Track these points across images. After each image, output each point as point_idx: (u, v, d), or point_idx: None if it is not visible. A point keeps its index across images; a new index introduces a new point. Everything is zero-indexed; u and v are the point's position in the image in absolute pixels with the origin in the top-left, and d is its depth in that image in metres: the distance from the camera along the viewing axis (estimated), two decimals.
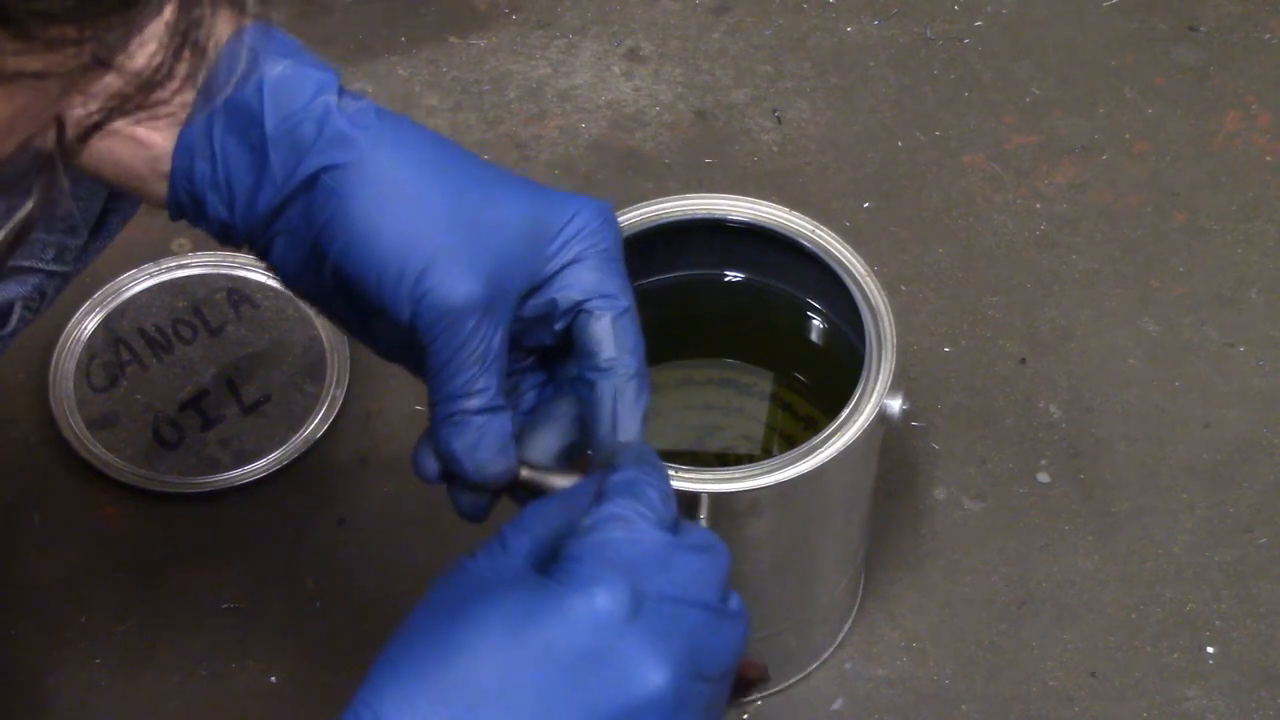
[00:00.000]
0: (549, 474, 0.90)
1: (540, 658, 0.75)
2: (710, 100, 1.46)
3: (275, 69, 0.85)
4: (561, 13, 1.50)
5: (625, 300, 0.89)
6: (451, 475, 0.90)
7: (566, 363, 0.92)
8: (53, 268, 0.94)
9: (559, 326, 0.89)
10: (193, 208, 0.87)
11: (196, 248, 1.37)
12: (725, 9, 1.51)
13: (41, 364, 1.31)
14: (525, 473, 0.90)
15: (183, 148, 0.85)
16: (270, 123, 0.84)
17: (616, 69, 1.48)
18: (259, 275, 1.35)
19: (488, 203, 0.87)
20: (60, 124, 0.60)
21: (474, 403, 0.87)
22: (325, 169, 0.85)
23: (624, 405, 0.89)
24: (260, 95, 0.84)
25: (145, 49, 0.59)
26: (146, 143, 0.85)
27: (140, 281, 1.34)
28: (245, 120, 0.84)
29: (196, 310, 1.34)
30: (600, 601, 0.76)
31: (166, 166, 0.85)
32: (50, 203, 0.64)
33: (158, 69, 0.58)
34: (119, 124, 0.85)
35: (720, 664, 0.80)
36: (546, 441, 0.91)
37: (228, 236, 0.88)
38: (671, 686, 0.76)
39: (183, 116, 0.85)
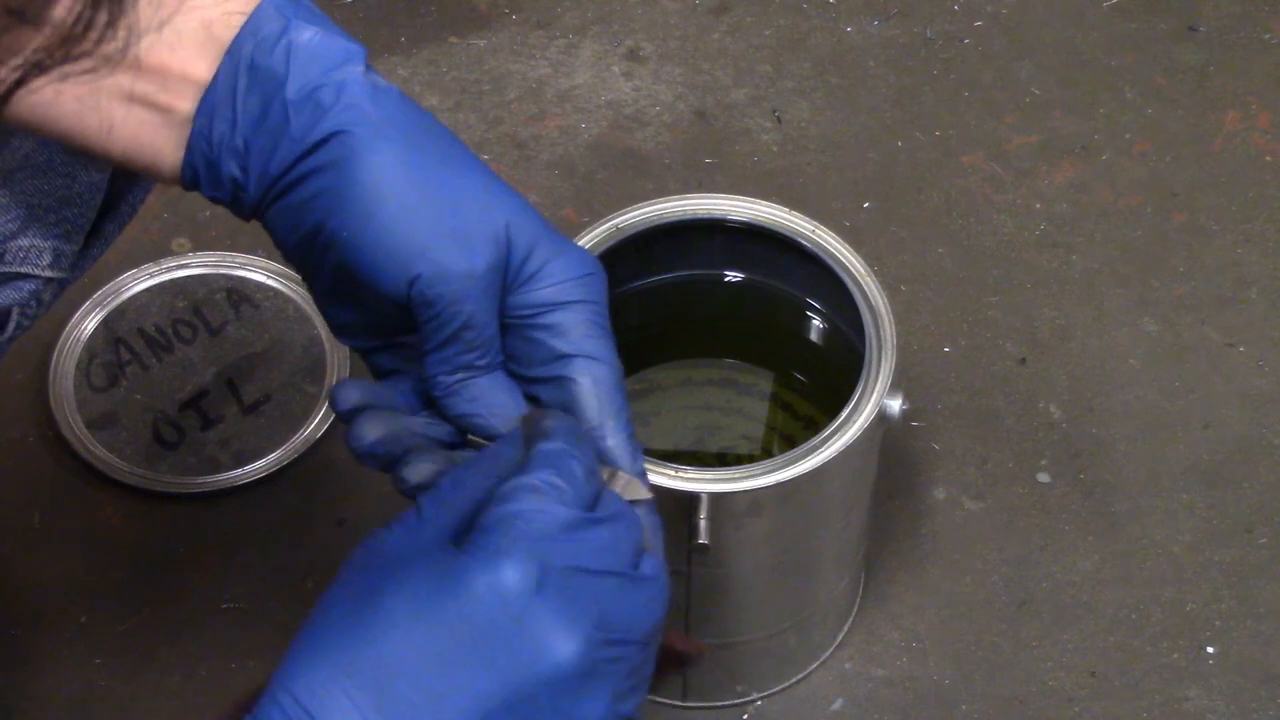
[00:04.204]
0: None
1: (448, 632, 0.76)
2: (710, 100, 1.46)
3: (304, 35, 0.86)
4: (561, 13, 1.50)
5: (613, 360, 0.89)
6: (363, 409, 0.90)
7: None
8: (49, 274, 0.94)
9: (541, 372, 0.89)
10: (207, 172, 0.87)
11: (196, 248, 1.37)
12: (725, 9, 1.51)
13: (41, 364, 1.31)
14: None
15: (204, 110, 0.86)
16: (293, 86, 0.85)
17: (616, 69, 1.48)
18: (259, 275, 1.35)
19: (489, 200, 0.87)
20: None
21: (483, 360, 0.88)
22: (336, 133, 0.85)
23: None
24: (287, 60, 0.85)
25: (63, 1, 0.58)
26: (169, 108, 0.86)
27: (140, 281, 1.34)
28: (270, 84, 0.85)
29: (196, 310, 1.34)
30: (506, 575, 0.77)
31: (186, 131, 0.86)
32: None
33: (77, 20, 0.57)
34: (130, 86, 0.85)
35: (636, 628, 0.80)
36: None
37: (237, 202, 0.88)
38: (581, 654, 0.77)
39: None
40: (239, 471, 1.27)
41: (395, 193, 0.86)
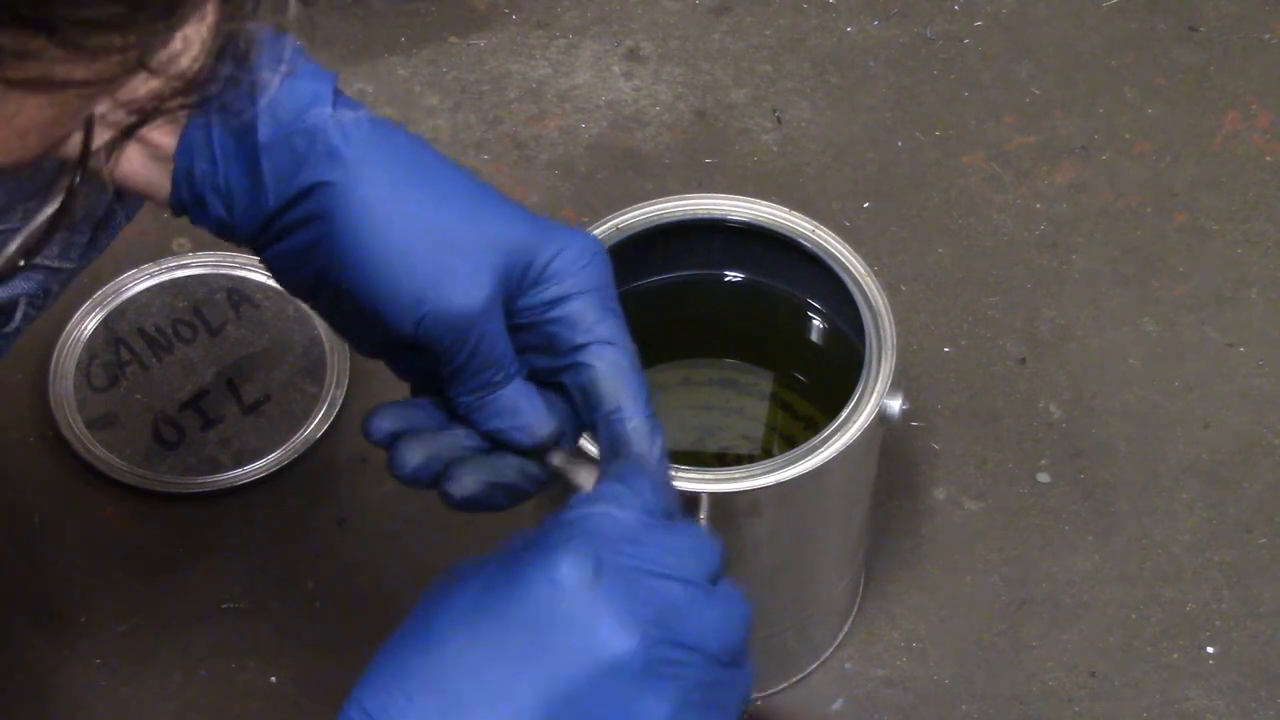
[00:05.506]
0: (578, 464, 0.90)
1: (505, 628, 0.77)
2: (710, 100, 1.46)
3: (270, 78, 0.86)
4: (561, 13, 1.50)
5: (625, 341, 0.89)
6: (397, 435, 0.90)
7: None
8: (57, 264, 0.94)
9: (559, 362, 0.89)
10: (194, 206, 0.88)
11: (196, 248, 1.37)
12: (725, 9, 1.51)
13: (41, 364, 1.31)
14: (557, 460, 0.90)
15: (184, 149, 0.86)
16: (264, 133, 0.85)
17: (616, 69, 1.48)
18: (259, 275, 1.34)
19: (477, 223, 0.87)
20: (89, 127, 0.60)
21: (498, 377, 0.88)
22: (317, 185, 0.85)
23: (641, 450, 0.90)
24: None
25: (189, 52, 0.59)
26: (154, 143, 0.86)
27: (140, 281, 1.34)
28: (241, 127, 0.85)
29: (196, 310, 1.34)
30: (561, 568, 0.77)
31: (170, 166, 0.86)
32: (76, 205, 0.64)
33: (199, 71, 0.58)
34: (115, 118, 0.85)
35: (707, 640, 0.79)
36: None
37: (228, 235, 0.89)
38: (638, 648, 0.77)
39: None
40: (239, 471, 1.27)
41: (386, 242, 0.86)
